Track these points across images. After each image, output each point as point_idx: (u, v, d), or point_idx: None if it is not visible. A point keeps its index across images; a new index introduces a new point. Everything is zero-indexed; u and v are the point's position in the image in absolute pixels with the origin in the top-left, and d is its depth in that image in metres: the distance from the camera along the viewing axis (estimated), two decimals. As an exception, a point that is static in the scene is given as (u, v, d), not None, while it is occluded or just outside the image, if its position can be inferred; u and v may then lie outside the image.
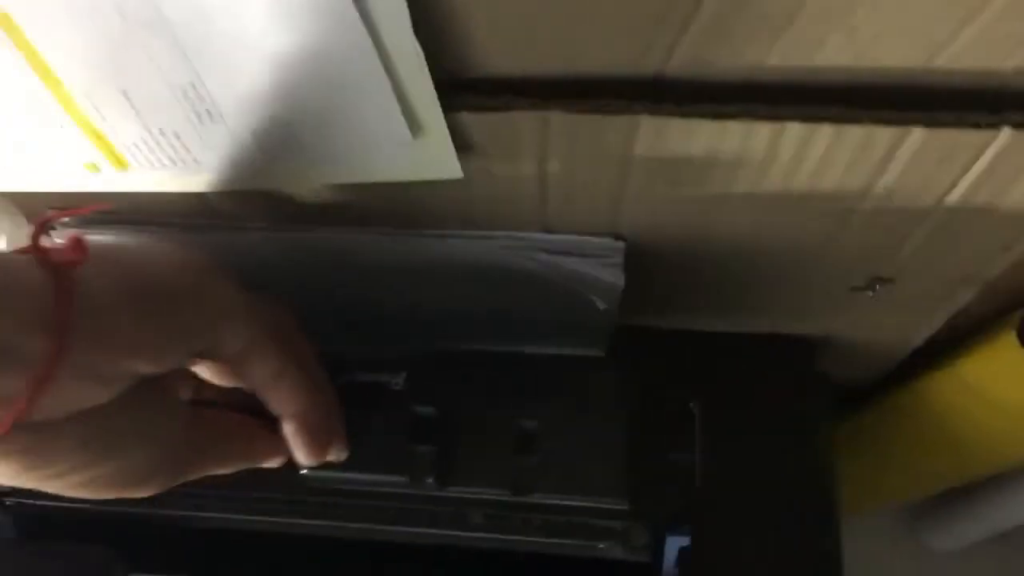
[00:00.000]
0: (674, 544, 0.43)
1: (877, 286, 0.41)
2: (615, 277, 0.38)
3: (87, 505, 0.42)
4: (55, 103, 0.30)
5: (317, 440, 0.35)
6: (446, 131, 0.30)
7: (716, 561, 0.43)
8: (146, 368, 0.28)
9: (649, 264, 0.40)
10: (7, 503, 0.44)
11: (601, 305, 0.40)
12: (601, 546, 0.40)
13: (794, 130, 0.30)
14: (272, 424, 0.35)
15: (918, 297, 0.42)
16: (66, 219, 0.38)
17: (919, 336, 0.46)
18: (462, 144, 0.31)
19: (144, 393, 0.29)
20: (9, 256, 0.26)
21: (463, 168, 0.32)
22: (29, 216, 0.38)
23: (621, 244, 0.38)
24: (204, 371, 0.34)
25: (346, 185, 0.35)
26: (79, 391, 0.26)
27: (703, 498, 0.44)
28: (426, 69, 0.28)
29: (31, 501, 0.43)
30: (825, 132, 0.30)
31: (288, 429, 0.34)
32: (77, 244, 0.27)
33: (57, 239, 0.28)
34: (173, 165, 0.32)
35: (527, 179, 0.34)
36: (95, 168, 0.33)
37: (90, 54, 0.28)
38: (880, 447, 0.54)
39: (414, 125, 0.30)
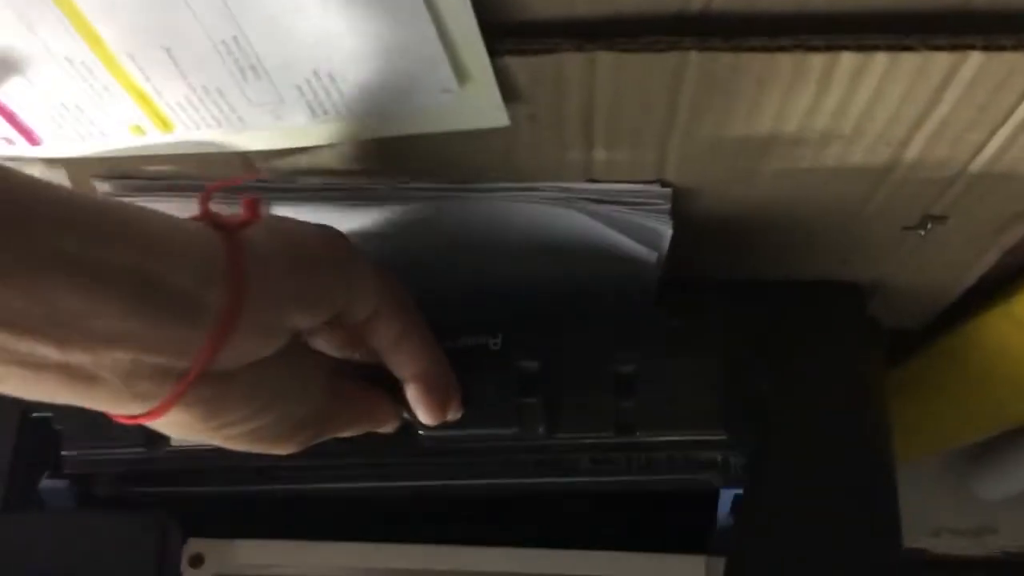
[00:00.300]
0: (728, 494, 0.43)
1: (929, 224, 0.40)
2: (663, 224, 0.38)
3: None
4: (99, 64, 0.30)
5: (439, 398, 0.37)
6: (493, 77, 0.30)
7: (771, 510, 0.43)
8: (302, 323, 0.31)
9: (694, 212, 0.40)
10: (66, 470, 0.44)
11: (649, 255, 0.40)
12: (701, 477, 0.41)
13: (847, 60, 0.29)
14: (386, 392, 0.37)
15: (971, 234, 0.41)
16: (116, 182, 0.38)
17: (971, 276, 0.46)
18: (506, 91, 0.31)
19: (294, 354, 0.32)
20: (185, 221, 0.29)
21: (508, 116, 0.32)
22: (75, 185, 0.38)
23: (668, 190, 0.37)
24: (322, 343, 0.35)
25: (388, 141, 0.35)
26: (252, 343, 0.29)
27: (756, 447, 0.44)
28: (472, 13, 0.28)
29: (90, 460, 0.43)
30: (879, 61, 0.29)
31: (411, 390, 0.36)
32: (252, 206, 0.30)
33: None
34: (217, 125, 0.32)
35: (572, 125, 0.34)
36: (140, 131, 0.33)
37: (132, 11, 0.28)
38: (932, 392, 0.53)
39: (460, 72, 0.30)
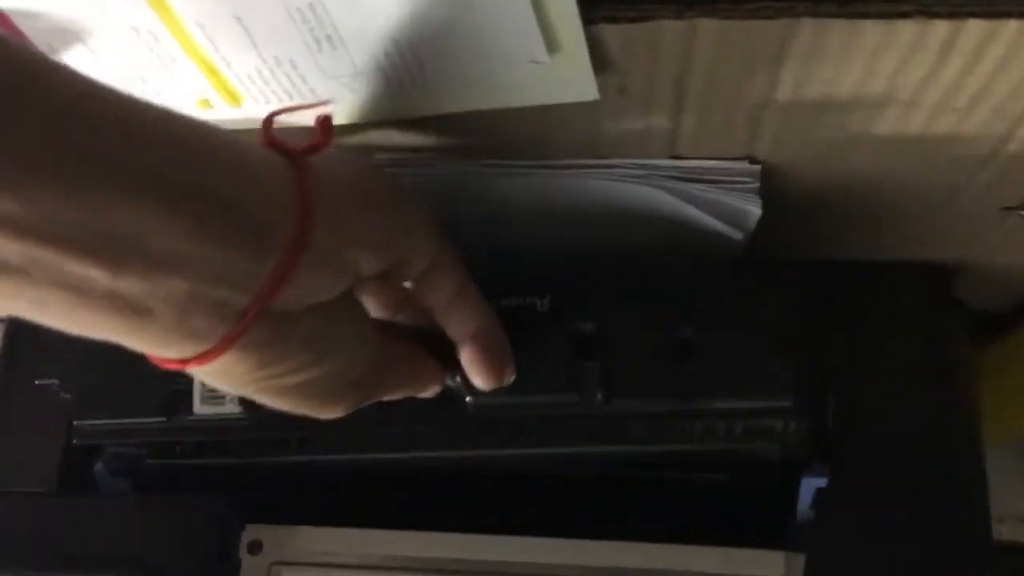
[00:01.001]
0: (810, 485, 0.41)
1: (1033, 204, 0.38)
2: (751, 204, 0.36)
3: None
4: (166, 33, 0.28)
5: (496, 360, 0.34)
6: (585, 47, 0.28)
7: (855, 502, 0.41)
8: (366, 265, 0.28)
9: (782, 190, 0.37)
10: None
11: (733, 236, 0.38)
12: (758, 446, 0.38)
13: (974, 27, 0.27)
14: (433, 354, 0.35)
15: (1077, 214, 0.39)
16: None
17: (1069, 258, 0.43)
18: (596, 61, 0.29)
19: (352, 304, 0.30)
20: (249, 144, 0.26)
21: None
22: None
23: (757, 167, 0.35)
24: (369, 301, 0.33)
25: (463, 116, 0.33)
26: (315, 280, 0.27)
27: (839, 436, 0.42)
28: (567, -25, 0.25)
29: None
30: (1009, 29, 0.27)
31: (468, 351, 0.34)
32: (325, 128, 0.28)
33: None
34: (288, 98, 0.30)
35: (663, 98, 0.31)
36: (208, 105, 0.31)
37: (204, -23, 0.26)
38: (1017, 376, 0.51)
39: (551, 41, 0.27)
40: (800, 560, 0.40)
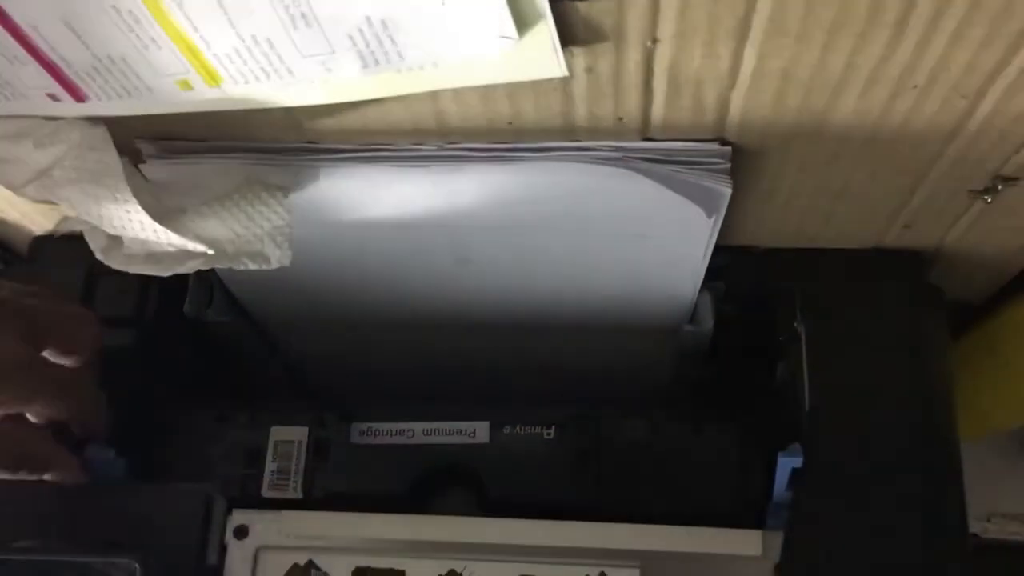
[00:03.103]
0: (786, 465, 0.42)
1: (1000, 187, 0.38)
2: (722, 184, 0.37)
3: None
4: (146, 13, 0.29)
5: None
6: (551, 21, 0.29)
7: (829, 483, 0.41)
8: None
9: (753, 173, 0.38)
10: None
11: (705, 217, 0.39)
12: None
13: (926, 1, 0.28)
14: None
15: (1044, 196, 0.39)
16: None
17: (1040, 243, 0.44)
18: (563, 38, 0.30)
19: None
20: None
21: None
22: (122, 148, 0.37)
23: (728, 148, 0.36)
24: None
25: (438, 96, 0.34)
26: None
27: (814, 419, 0.42)
28: (531, -48, 0.26)
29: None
30: (959, 2, 0.28)
31: None
32: None
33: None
34: (267, 78, 0.31)
35: (631, 77, 0.32)
36: (187, 85, 0.32)
37: (182, -45, 0.27)
38: (997, 366, 0.51)
39: (518, 17, 0.28)
40: (777, 538, 0.40)
